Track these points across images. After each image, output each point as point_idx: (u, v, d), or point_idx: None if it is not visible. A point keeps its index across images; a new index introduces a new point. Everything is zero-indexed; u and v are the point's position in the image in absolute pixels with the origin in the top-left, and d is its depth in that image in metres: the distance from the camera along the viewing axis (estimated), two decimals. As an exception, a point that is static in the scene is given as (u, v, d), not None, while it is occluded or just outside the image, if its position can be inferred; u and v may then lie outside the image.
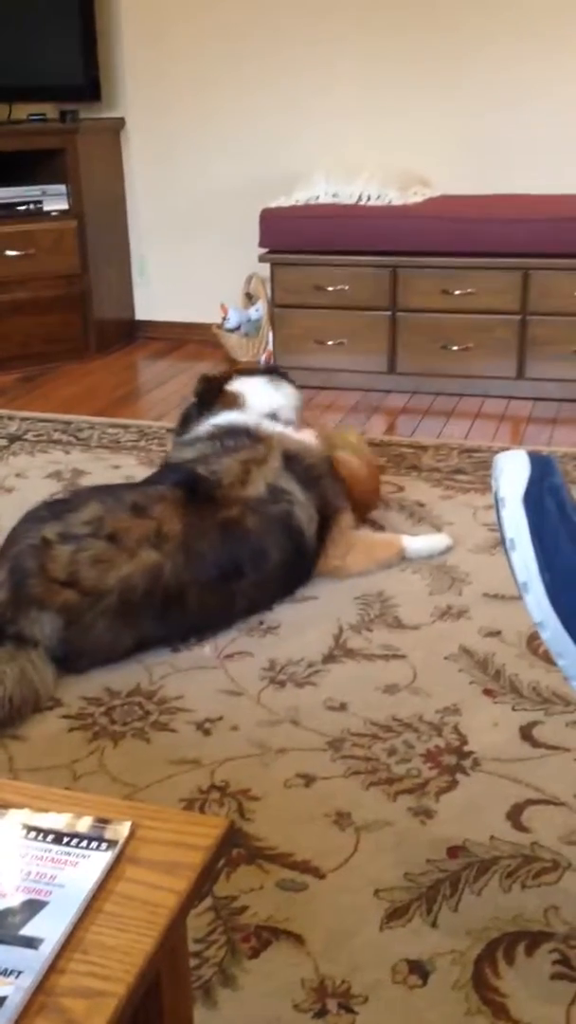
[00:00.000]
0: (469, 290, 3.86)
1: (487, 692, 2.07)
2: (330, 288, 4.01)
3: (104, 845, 0.99)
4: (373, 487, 2.85)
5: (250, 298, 4.55)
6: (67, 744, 1.94)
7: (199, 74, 4.54)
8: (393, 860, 1.63)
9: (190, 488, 2.33)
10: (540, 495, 1.29)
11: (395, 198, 4.08)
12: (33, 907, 0.92)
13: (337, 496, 2.56)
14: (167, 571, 2.20)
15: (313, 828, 1.70)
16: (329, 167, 4.21)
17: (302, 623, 2.36)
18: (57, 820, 1.02)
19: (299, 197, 4.17)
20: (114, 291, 4.80)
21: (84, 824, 1.01)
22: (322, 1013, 1.37)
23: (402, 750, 1.89)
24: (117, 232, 4.81)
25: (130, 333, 4.93)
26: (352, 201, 4.10)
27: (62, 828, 1.01)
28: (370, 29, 4.25)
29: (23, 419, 3.78)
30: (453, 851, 1.64)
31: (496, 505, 1.33)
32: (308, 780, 1.82)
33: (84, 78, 4.49)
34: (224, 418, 2.60)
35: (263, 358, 4.31)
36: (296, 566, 2.43)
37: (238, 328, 4.49)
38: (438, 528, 2.78)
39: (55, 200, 4.42)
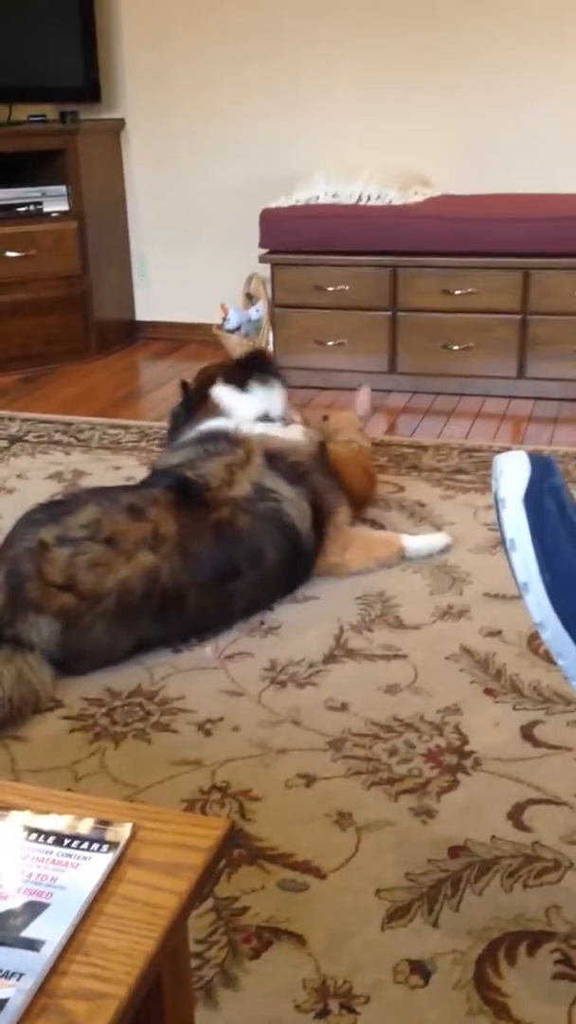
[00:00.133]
0: (470, 290, 3.86)
1: (488, 692, 2.07)
2: (330, 288, 4.01)
3: (105, 847, 0.99)
4: (366, 479, 2.83)
5: (250, 298, 4.55)
6: (68, 745, 1.94)
7: (199, 75, 4.54)
8: (394, 860, 1.63)
9: (182, 491, 2.33)
10: (540, 496, 1.29)
11: (395, 198, 4.08)
12: (34, 909, 0.92)
13: (331, 491, 2.56)
14: (164, 573, 2.20)
15: (314, 828, 1.70)
16: (329, 167, 4.21)
17: (303, 623, 2.37)
18: (58, 822, 1.02)
19: (299, 197, 4.17)
20: (114, 292, 4.80)
21: (85, 826, 1.01)
22: (324, 1013, 1.37)
23: (403, 750, 1.89)
24: (117, 233, 4.81)
25: (131, 334, 4.93)
26: (352, 201, 4.10)
27: (63, 830, 1.01)
28: (370, 29, 4.25)
29: (24, 420, 3.78)
30: (454, 851, 1.64)
31: (496, 506, 1.33)
32: (309, 780, 1.82)
33: (84, 79, 4.49)
34: (207, 424, 2.62)
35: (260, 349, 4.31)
36: (294, 564, 2.43)
37: (238, 328, 4.49)
38: (439, 528, 2.78)
39: (55, 201, 4.42)
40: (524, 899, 1.55)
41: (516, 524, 1.30)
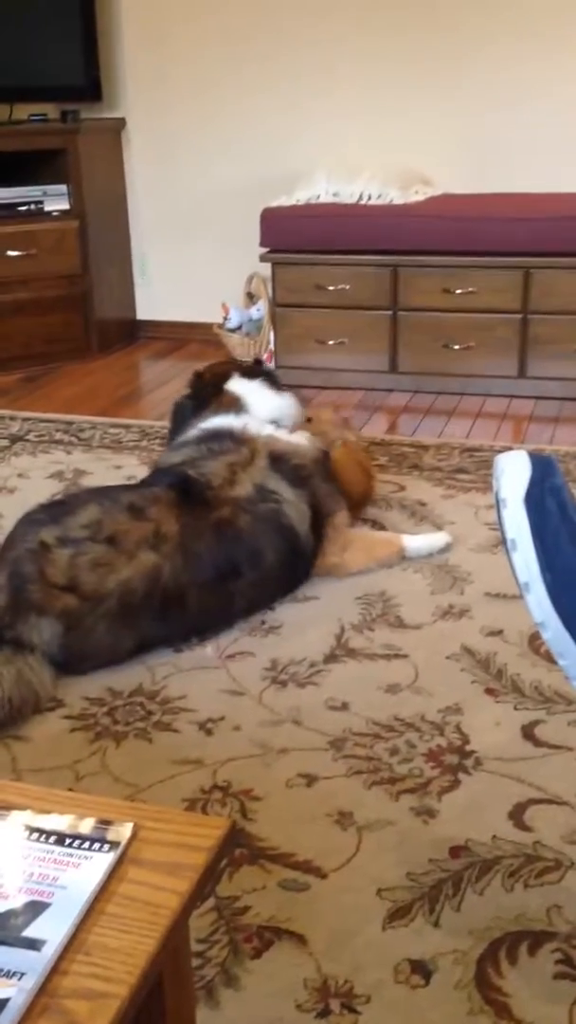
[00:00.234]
0: (470, 289, 3.86)
1: (489, 691, 2.07)
2: (331, 287, 4.01)
3: (106, 846, 0.99)
4: (363, 474, 2.82)
5: (251, 298, 4.55)
6: (69, 744, 1.94)
7: (200, 74, 4.54)
8: (395, 860, 1.63)
9: (183, 490, 2.33)
10: (541, 496, 1.29)
11: (396, 197, 4.08)
12: (35, 909, 0.92)
13: (331, 494, 2.56)
14: (166, 572, 2.20)
15: (315, 828, 1.70)
16: (330, 166, 4.21)
17: (304, 623, 2.37)
18: (59, 821, 1.02)
19: (300, 196, 4.17)
20: (115, 291, 4.80)
21: (86, 825, 1.01)
22: (325, 1013, 1.37)
23: (404, 750, 1.89)
24: (118, 232, 4.81)
25: (131, 333, 4.93)
26: (353, 200, 4.10)
27: (64, 829, 1.01)
28: (371, 29, 4.25)
29: (25, 419, 3.78)
30: (455, 851, 1.65)
31: (497, 506, 1.33)
32: (310, 780, 1.82)
33: (85, 78, 4.49)
34: (211, 422, 2.60)
35: (264, 357, 4.31)
36: (293, 565, 2.43)
37: (239, 328, 4.49)
38: (439, 527, 2.78)
39: (56, 200, 4.42)
40: (525, 899, 1.55)
41: (517, 524, 1.30)
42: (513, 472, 1.31)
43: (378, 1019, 1.36)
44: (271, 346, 4.23)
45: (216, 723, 1.99)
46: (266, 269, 4.20)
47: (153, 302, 4.94)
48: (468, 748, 1.89)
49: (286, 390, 2.83)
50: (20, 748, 1.93)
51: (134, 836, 1.00)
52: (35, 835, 1.00)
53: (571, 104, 4.10)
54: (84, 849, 0.98)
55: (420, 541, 2.65)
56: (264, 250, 4.11)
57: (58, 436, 3.60)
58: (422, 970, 1.43)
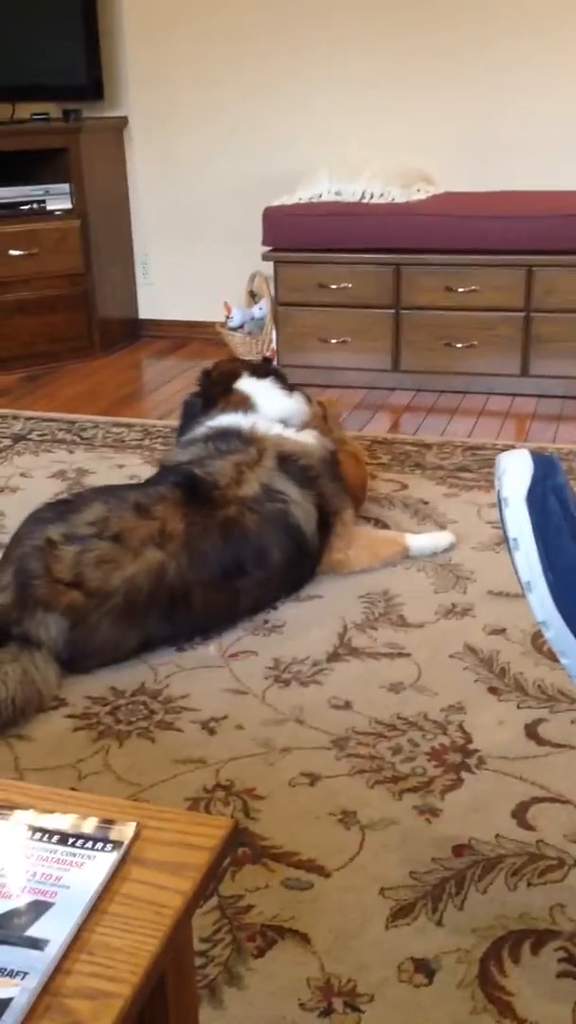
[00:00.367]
0: (473, 287, 3.86)
1: (492, 690, 2.07)
2: (333, 286, 4.01)
3: (109, 846, 0.99)
4: (355, 464, 2.80)
5: (253, 296, 4.55)
6: (72, 744, 1.94)
7: (201, 73, 4.54)
8: (398, 859, 1.63)
9: (189, 488, 2.33)
10: (543, 495, 1.29)
11: (398, 195, 4.07)
12: (39, 908, 0.92)
13: (337, 496, 2.56)
14: (171, 570, 2.20)
15: (318, 827, 1.70)
16: (332, 165, 4.21)
17: (307, 622, 2.37)
18: (62, 821, 1.02)
19: (302, 195, 4.17)
20: (118, 290, 4.80)
21: (89, 825, 1.01)
22: (328, 1012, 1.37)
23: (407, 748, 1.89)
24: (120, 231, 4.81)
25: (134, 332, 4.93)
26: (355, 199, 4.10)
27: (67, 829, 1.01)
28: (373, 27, 4.25)
29: (27, 418, 3.78)
30: (458, 849, 1.65)
31: (499, 505, 1.33)
32: (313, 779, 1.82)
33: (87, 78, 4.49)
34: (220, 420, 2.60)
35: (261, 356, 4.31)
36: (298, 564, 2.43)
37: (242, 326, 4.50)
38: (442, 526, 2.78)
39: (58, 199, 4.42)
40: (528, 897, 1.55)
41: (519, 523, 1.30)
42: (515, 471, 1.31)
43: (381, 1018, 1.36)
44: (273, 345, 4.23)
45: (219, 722, 1.99)
46: (268, 268, 4.20)
47: (155, 301, 4.95)
48: (471, 747, 1.89)
49: (295, 389, 2.83)
50: (23, 747, 1.94)
51: (137, 835, 1.00)
52: (38, 835, 1.00)
53: (573, 102, 4.10)
54: (87, 848, 0.98)
55: (424, 540, 2.65)
56: (266, 249, 4.11)
57: (60, 435, 3.60)
58: (425, 969, 1.43)
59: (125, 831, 1.01)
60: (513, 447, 3.31)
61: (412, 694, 2.07)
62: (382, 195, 4.09)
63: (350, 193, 4.12)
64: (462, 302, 3.89)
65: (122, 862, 0.98)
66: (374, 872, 1.60)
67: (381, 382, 4.06)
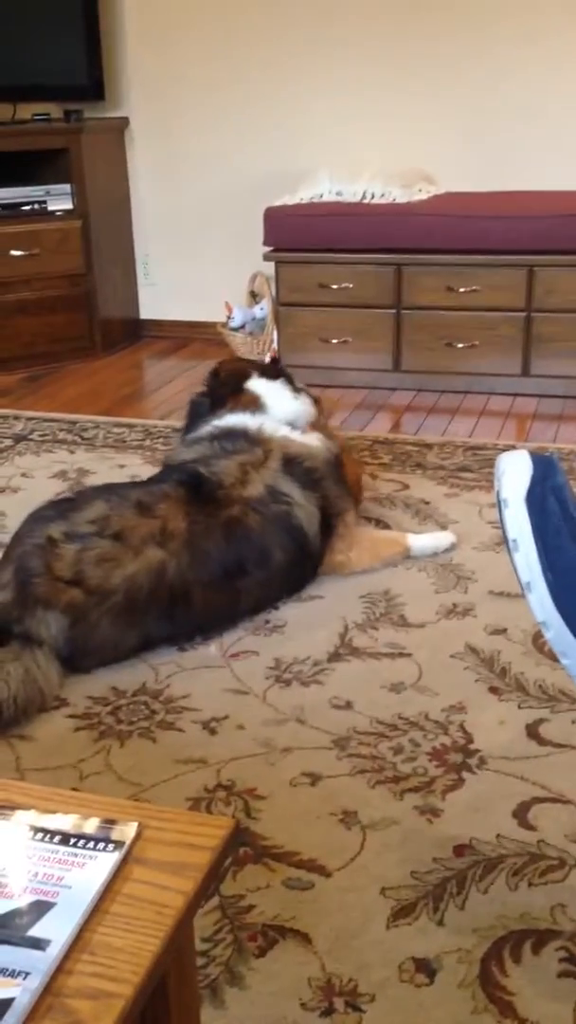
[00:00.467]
0: (474, 287, 3.86)
1: (493, 690, 2.07)
2: (335, 286, 4.01)
3: (111, 846, 0.99)
4: (348, 460, 2.80)
5: (255, 296, 4.55)
6: (73, 744, 1.95)
7: (203, 73, 4.54)
8: (399, 858, 1.63)
9: (193, 487, 2.33)
10: (543, 495, 1.29)
11: (399, 196, 4.07)
12: (40, 908, 0.92)
13: (341, 496, 2.56)
14: (172, 569, 2.20)
15: (319, 827, 1.70)
16: (333, 165, 4.21)
17: (308, 622, 2.37)
18: (64, 821, 1.02)
19: (303, 195, 4.17)
20: (119, 290, 4.80)
21: (91, 825, 1.02)
22: (329, 1012, 1.37)
23: (408, 748, 1.90)
24: (122, 231, 4.81)
25: (135, 332, 4.94)
26: (356, 199, 4.10)
27: (69, 829, 1.01)
28: (375, 26, 4.25)
29: (28, 419, 3.79)
30: (459, 849, 1.65)
31: (499, 506, 1.33)
32: (314, 779, 1.82)
33: (88, 78, 4.49)
34: (227, 420, 2.59)
35: (268, 356, 4.31)
36: (300, 565, 2.43)
37: (243, 327, 4.50)
38: (443, 526, 2.78)
39: (59, 200, 4.42)
40: (529, 897, 1.55)
41: (518, 524, 1.30)
42: (514, 472, 1.31)
43: (382, 1017, 1.36)
44: (275, 345, 4.23)
45: (220, 722, 2.00)
46: (269, 268, 4.20)
47: (157, 301, 4.95)
48: (472, 747, 1.90)
49: (301, 391, 2.82)
50: (24, 747, 1.94)
51: (138, 836, 1.01)
52: (40, 835, 1.00)
53: (575, 102, 4.10)
54: (89, 849, 0.99)
55: (425, 540, 2.65)
56: (267, 249, 4.11)
57: (62, 435, 3.60)
58: (426, 968, 1.43)
59: (126, 831, 1.01)
60: (514, 447, 3.31)
61: (413, 694, 2.07)
62: (383, 195, 4.09)
63: (351, 193, 4.12)
64: (463, 302, 3.89)
65: (123, 862, 0.98)
66: (375, 872, 1.60)
67: (382, 382, 4.06)
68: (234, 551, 2.29)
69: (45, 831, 1.01)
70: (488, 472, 3.12)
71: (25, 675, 2.03)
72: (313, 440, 2.61)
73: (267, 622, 2.37)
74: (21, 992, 0.84)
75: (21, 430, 3.67)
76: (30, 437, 3.59)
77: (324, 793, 1.79)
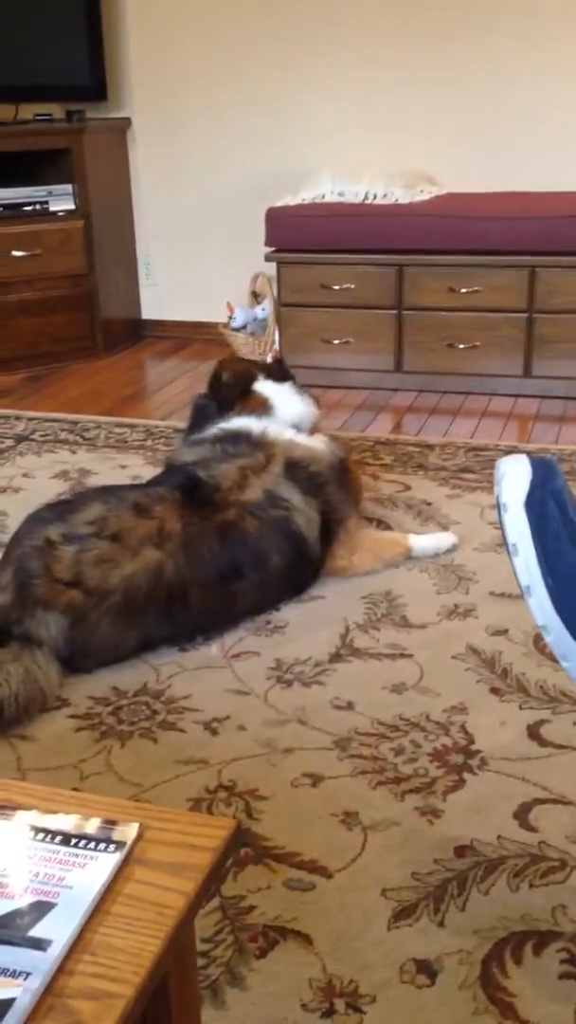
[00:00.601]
0: (475, 288, 3.86)
1: (494, 691, 2.07)
2: (336, 287, 4.01)
3: (112, 847, 0.99)
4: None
5: (256, 297, 4.55)
6: (74, 744, 1.95)
7: (205, 73, 4.54)
8: (400, 859, 1.63)
9: (190, 490, 2.33)
10: (542, 499, 1.29)
11: (401, 196, 4.07)
12: (41, 909, 0.92)
13: (344, 500, 2.55)
14: (169, 570, 2.21)
15: (320, 828, 1.70)
16: (335, 166, 4.21)
17: (309, 622, 2.37)
18: (65, 821, 1.02)
19: (305, 196, 4.17)
20: (120, 290, 4.80)
21: (92, 825, 1.02)
22: (330, 1013, 1.37)
23: (409, 749, 1.90)
24: (123, 231, 4.81)
25: (137, 332, 4.94)
26: (358, 200, 4.10)
27: (70, 829, 1.01)
28: (377, 26, 4.25)
29: (30, 419, 3.79)
30: (460, 850, 1.65)
31: (498, 510, 1.33)
32: (315, 780, 1.82)
33: (90, 78, 4.49)
34: (233, 422, 2.58)
35: (269, 356, 4.31)
36: (298, 569, 2.43)
37: (244, 327, 4.50)
38: (445, 527, 2.78)
39: (61, 200, 4.42)
40: (530, 898, 1.55)
41: (518, 528, 1.30)
42: (514, 476, 1.31)
43: (383, 1019, 1.36)
44: (276, 345, 4.23)
45: (221, 723, 2.00)
46: (271, 268, 4.20)
47: (158, 302, 4.95)
48: (473, 748, 1.90)
49: (306, 393, 2.82)
50: (25, 747, 1.94)
51: (139, 836, 1.01)
52: (41, 835, 1.01)
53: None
54: (90, 849, 0.99)
55: (427, 541, 2.65)
56: (269, 249, 4.11)
57: (63, 436, 3.60)
58: (427, 970, 1.43)
59: (128, 832, 1.01)
60: (516, 448, 3.32)
61: (414, 695, 2.07)
62: (385, 196, 4.09)
63: (353, 194, 4.12)
64: (465, 303, 3.89)
65: (125, 863, 0.98)
66: (376, 873, 1.60)
67: (384, 383, 4.06)
68: (229, 554, 2.29)
69: (46, 831, 1.01)
70: (489, 473, 3.12)
71: (25, 675, 2.03)
72: (318, 444, 2.60)
73: (268, 623, 2.37)
74: (22, 992, 0.84)
75: (23, 430, 3.67)
76: (32, 437, 3.60)
77: (325, 794, 1.79)
